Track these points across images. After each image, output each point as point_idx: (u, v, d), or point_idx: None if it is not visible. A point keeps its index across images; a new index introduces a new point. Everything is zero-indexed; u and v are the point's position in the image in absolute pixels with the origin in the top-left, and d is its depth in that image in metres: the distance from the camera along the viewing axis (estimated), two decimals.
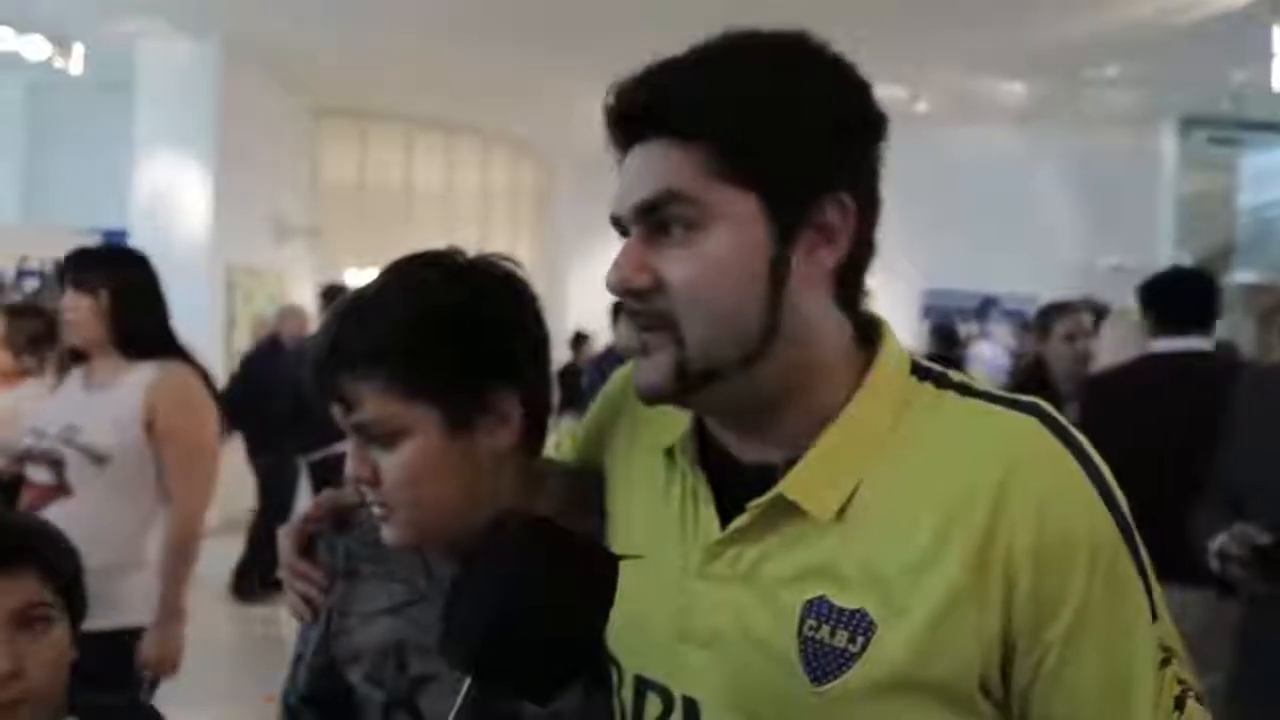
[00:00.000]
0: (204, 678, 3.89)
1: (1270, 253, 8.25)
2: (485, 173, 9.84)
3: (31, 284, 6.08)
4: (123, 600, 1.94)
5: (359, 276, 7.45)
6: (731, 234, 0.68)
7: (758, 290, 0.68)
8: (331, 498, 0.98)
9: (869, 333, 0.75)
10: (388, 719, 0.90)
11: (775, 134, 0.68)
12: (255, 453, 5.35)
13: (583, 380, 5.33)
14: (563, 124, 8.66)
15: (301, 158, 8.38)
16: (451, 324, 0.83)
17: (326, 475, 4.60)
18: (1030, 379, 3.13)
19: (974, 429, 0.69)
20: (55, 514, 1.79)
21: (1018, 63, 7.20)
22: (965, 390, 0.72)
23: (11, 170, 7.65)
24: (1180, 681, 0.66)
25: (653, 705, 0.75)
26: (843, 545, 0.68)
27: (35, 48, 6.37)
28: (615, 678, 0.80)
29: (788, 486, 0.69)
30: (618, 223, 0.73)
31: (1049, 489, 0.65)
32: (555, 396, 0.95)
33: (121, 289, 2.14)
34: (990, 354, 6.92)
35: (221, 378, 6.66)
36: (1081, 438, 0.69)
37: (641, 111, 0.70)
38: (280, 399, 4.77)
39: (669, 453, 0.78)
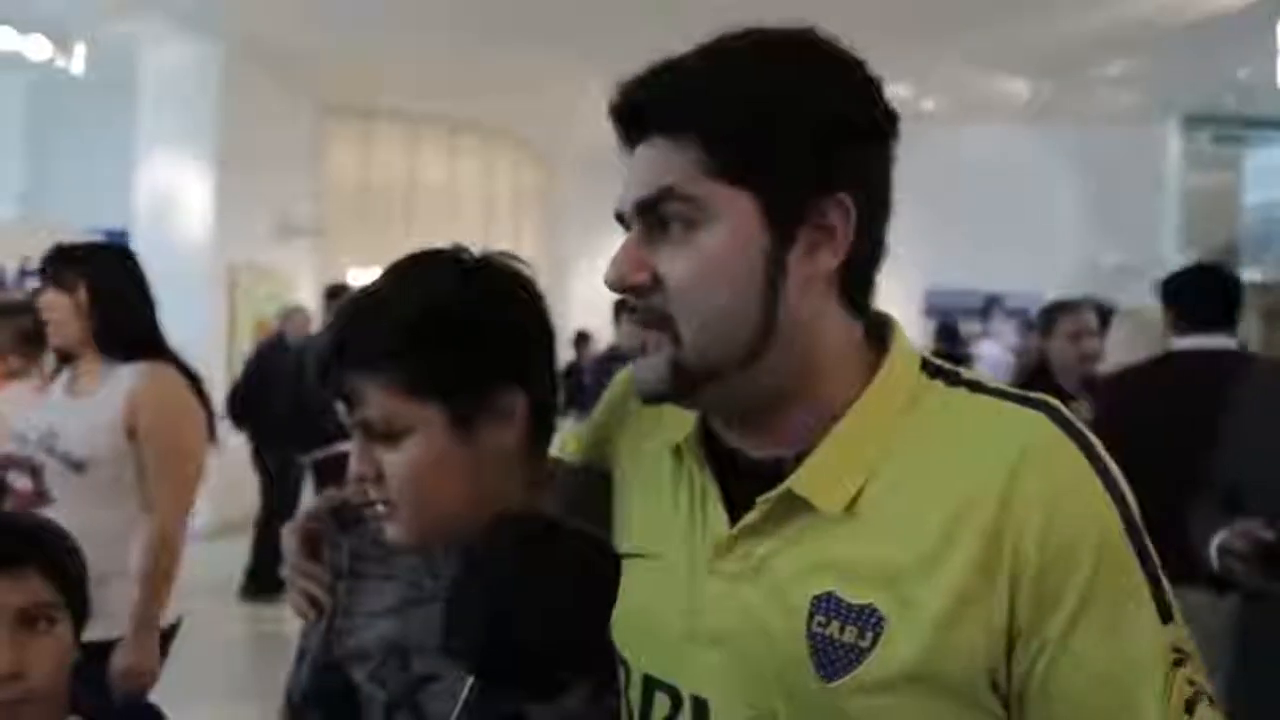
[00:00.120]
0: (209, 677, 3.90)
1: (1275, 251, 8.24)
2: (488, 172, 9.85)
3: (33, 284, 6.08)
4: (106, 611, 1.76)
5: (362, 276, 7.45)
6: (726, 232, 0.68)
7: (753, 289, 0.68)
8: (336, 496, 0.98)
9: (880, 332, 0.75)
10: (390, 719, 0.90)
11: (770, 132, 0.68)
12: (261, 453, 5.35)
13: (585, 380, 5.33)
14: (566, 123, 8.67)
15: (304, 157, 8.39)
16: (457, 323, 0.83)
17: (328, 474, 4.60)
18: (1034, 378, 3.12)
19: (984, 425, 0.69)
20: None
21: (1022, 61, 7.20)
22: (975, 387, 0.72)
23: (13, 169, 7.66)
24: (1192, 683, 0.65)
25: (661, 704, 0.75)
26: (852, 540, 0.68)
27: (37, 47, 6.37)
28: (623, 677, 0.79)
29: (797, 482, 0.69)
30: (622, 220, 0.73)
31: (1057, 485, 0.65)
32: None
33: (101, 286, 2.06)
34: (994, 352, 6.91)
35: (223, 377, 6.70)
36: (1092, 436, 0.69)
37: (640, 110, 0.71)
38: (282, 398, 4.78)
39: (676, 451, 0.78)
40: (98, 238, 5.85)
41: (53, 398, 2.13)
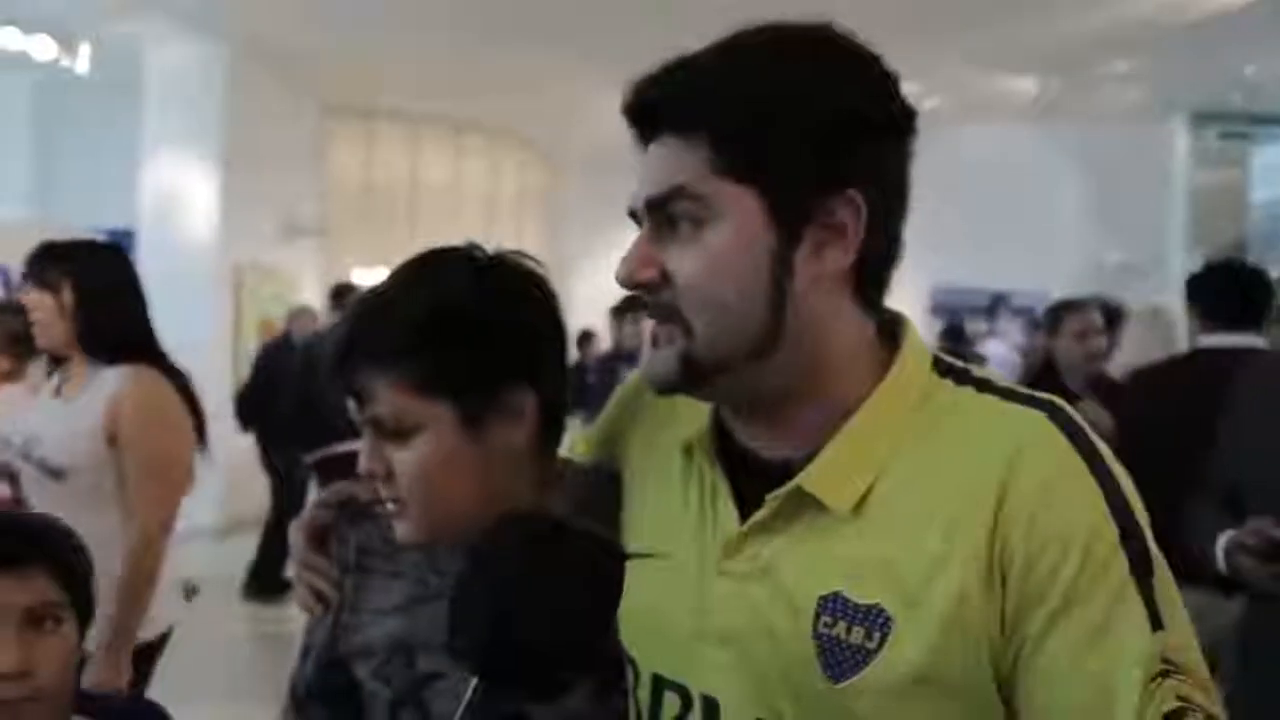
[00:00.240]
0: (211, 676, 3.91)
1: None
2: (492, 172, 9.85)
3: None
4: None
5: (366, 276, 7.47)
6: (732, 231, 0.68)
7: (759, 288, 0.68)
8: (344, 490, 0.98)
9: (893, 329, 0.75)
10: (394, 716, 0.90)
11: (771, 131, 0.67)
12: (268, 452, 5.36)
13: (589, 379, 5.33)
14: (570, 123, 8.67)
15: (309, 157, 8.40)
16: (467, 321, 0.83)
17: (331, 474, 4.61)
18: (1040, 377, 3.11)
19: (986, 425, 0.68)
20: None
21: (1027, 59, 7.18)
22: (983, 386, 0.72)
23: (19, 170, 7.68)
24: (1181, 698, 0.62)
25: (670, 704, 0.75)
26: (860, 540, 0.68)
27: (42, 47, 6.39)
28: (631, 677, 0.79)
29: (806, 479, 0.69)
30: (634, 217, 0.74)
31: (1047, 483, 0.64)
32: None
33: (86, 285, 1.96)
34: (1000, 351, 6.90)
35: (229, 378, 6.72)
36: (1095, 438, 0.68)
37: (653, 108, 0.71)
38: (288, 398, 4.79)
39: (687, 450, 0.78)
40: (102, 237, 5.87)
41: (40, 401, 2.07)
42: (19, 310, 2.59)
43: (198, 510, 6.13)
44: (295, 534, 0.97)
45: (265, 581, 5.08)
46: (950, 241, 8.32)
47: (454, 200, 9.42)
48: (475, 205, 9.55)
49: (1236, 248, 8.54)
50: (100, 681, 1.81)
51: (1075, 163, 8.66)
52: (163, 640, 2.04)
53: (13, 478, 1.97)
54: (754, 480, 0.73)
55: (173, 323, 6.76)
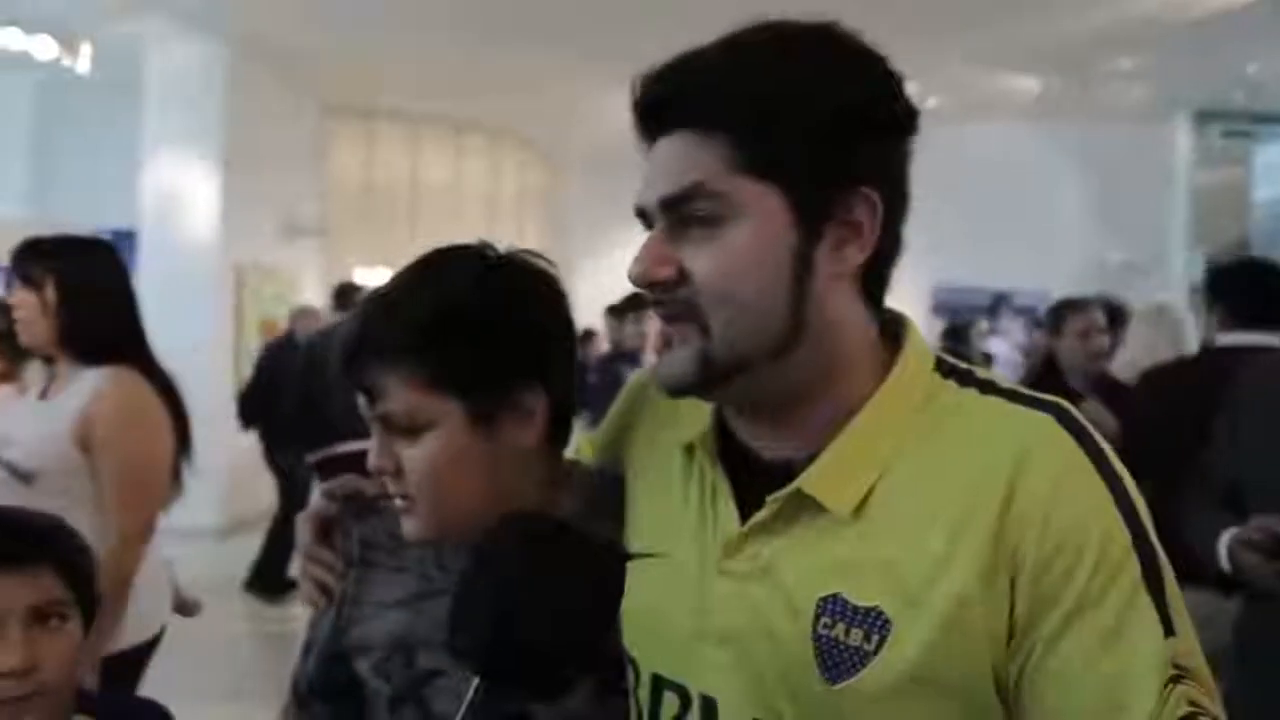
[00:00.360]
0: (214, 676, 3.91)
1: None
2: (493, 172, 9.85)
3: None
4: None
5: (367, 276, 7.47)
6: (754, 228, 0.68)
7: (782, 285, 0.68)
8: (350, 483, 0.98)
9: (894, 329, 0.75)
10: (394, 713, 0.90)
11: (797, 127, 0.67)
12: (272, 452, 5.36)
13: (590, 379, 5.34)
14: (570, 123, 8.67)
15: (309, 157, 8.40)
16: (479, 319, 0.83)
17: (333, 474, 4.60)
18: (1042, 376, 3.10)
19: (991, 427, 0.68)
20: None
21: (1028, 58, 7.17)
22: (986, 388, 0.71)
23: (20, 169, 7.68)
24: (1193, 704, 0.63)
25: (670, 704, 0.75)
26: (860, 542, 0.67)
27: (43, 47, 6.39)
28: (631, 677, 0.79)
29: (806, 481, 0.69)
30: (643, 215, 0.73)
31: (1059, 486, 0.64)
32: None
33: (69, 284, 1.89)
34: (1002, 350, 6.90)
35: (230, 377, 6.72)
36: (1101, 441, 0.68)
37: (665, 103, 0.70)
38: (289, 398, 4.79)
39: (688, 450, 0.78)
40: (103, 237, 5.87)
41: (21, 401, 2.00)
42: (5, 309, 2.52)
43: (200, 511, 6.16)
44: (302, 526, 0.98)
45: (268, 580, 5.08)
46: (952, 241, 8.31)
47: (455, 200, 9.42)
48: (476, 205, 9.55)
49: (1239, 246, 8.53)
50: None
51: (1077, 162, 8.64)
52: (154, 642, 1.99)
53: None
54: (755, 480, 0.73)
55: (174, 323, 6.76)
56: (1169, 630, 0.63)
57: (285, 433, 5.02)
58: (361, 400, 0.84)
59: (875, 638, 0.65)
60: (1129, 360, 3.31)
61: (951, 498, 0.66)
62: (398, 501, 0.85)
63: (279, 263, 7.60)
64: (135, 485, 1.87)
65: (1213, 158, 8.83)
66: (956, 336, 6.23)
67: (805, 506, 0.69)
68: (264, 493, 5.69)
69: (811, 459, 0.70)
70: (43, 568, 1.05)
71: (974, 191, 8.44)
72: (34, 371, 1.99)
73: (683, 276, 0.69)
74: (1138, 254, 8.24)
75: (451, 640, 0.69)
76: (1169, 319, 3.35)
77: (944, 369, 0.73)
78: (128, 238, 6.67)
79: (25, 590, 1.03)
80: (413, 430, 0.83)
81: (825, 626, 0.67)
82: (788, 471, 0.71)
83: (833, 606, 0.67)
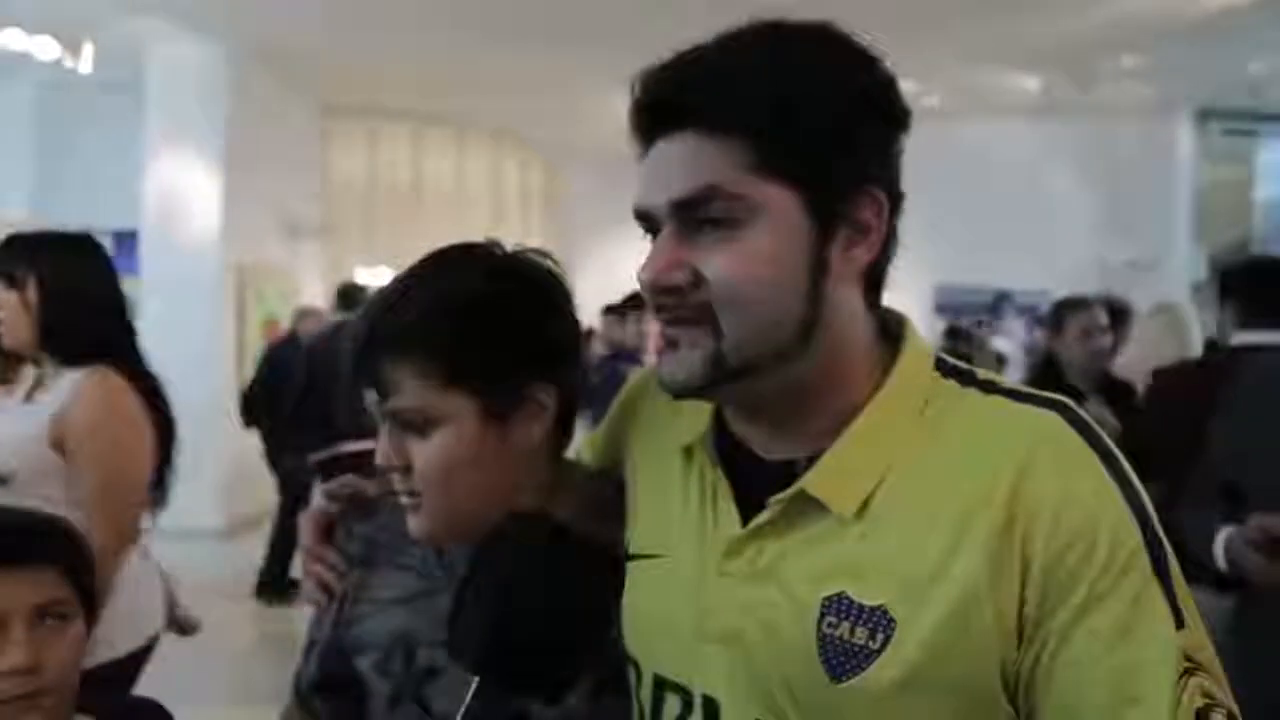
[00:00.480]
0: (217, 677, 3.91)
1: None
2: (495, 171, 9.85)
3: None
4: None
5: (369, 275, 7.47)
6: (771, 230, 0.67)
7: (797, 287, 0.68)
8: (352, 483, 0.98)
9: (893, 329, 0.75)
10: (393, 711, 0.90)
11: (811, 128, 0.67)
12: (274, 452, 5.36)
13: (590, 378, 5.34)
14: (573, 123, 8.67)
15: (311, 157, 8.41)
16: (494, 314, 0.84)
17: (335, 475, 4.60)
18: (1044, 375, 3.10)
19: (995, 425, 0.68)
20: None
21: (1030, 55, 7.15)
22: (989, 387, 0.71)
23: (21, 170, 7.69)
24: (1206, 695, 0.63)
25: (671, 705, 0.75)
26: (864, 542, 0.67)
27: (45, 48, 6.39)
28: (633, 678, 0.79)
29: (810, 482, 0.69)
30: (646, 217, 0.71)
31: (1067, 482, 0.64)
32: None
33: (52, 282, 1.81)
34: (1005, 349, 6.89)
35: (233, 378, 6.72)
36: (1106, 437, 0.68)
37: (676, 103, 0.68)
38: (291, 399, 4.79)
39: (688, 452, 0.78)
40: (105, 238, 5.86)
41: (7, 404, 1.92)
42: None
43: (201, 511, 6.17)
44: (305, 525, 0.98)
45: (276, 583, 5.08)
46: (953, 240, 8.31)
47: (456, 200, 9.42)
48: (477, 205, 9.55)
49: (1242, 245, 8.52)
50: None
51: (1079, 160, 8.63)
52: (146, 651, 1.92)
53: None
54: (755, 481, 0.72)
55: (176, 323, 6.74)
56: (1180, 623, 0.64)
57: (287, 433, 5.02)
58: (372, 396, 0.84)
59: (880, 636, 0.65)
60: (1134, 359, 3.30)
61: (956, 496, 0.66)
62: (405, 499, 0.85)
63: (281, 263, 7.61)
64: (111, 489, 1.78)
65: (1215, 156, 8.82)
66: (957, 336, 6.22)
67: (808, 507, 0.69)
68: (266, 493, 5.69)
69: (813, 459, 0.70)
70: (45, 567, 1.05)
71: (975, 190, 8.43)
72: (27, 373, 1.91)
73: (696, 280, 0.68)
74: (1140, 253, 8.23)
75: (451, 640, 0.69)
76: (1175, 318, 3.34)
77: (944, 368, 0.73)
78: (129, 238, 6.68)
79: (28, 589, 1.03)
80: (424, 426, 0.83)
81: (830, 626, 0.66)
82: (789, 472, 0.71)
83: (837, 605, 0.67)
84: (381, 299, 0.85)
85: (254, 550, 5.33)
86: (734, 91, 0.67)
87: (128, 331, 1.93)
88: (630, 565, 0.79)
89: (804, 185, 0.67)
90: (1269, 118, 8.40)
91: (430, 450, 0.83)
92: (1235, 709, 0.64)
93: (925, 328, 8.02)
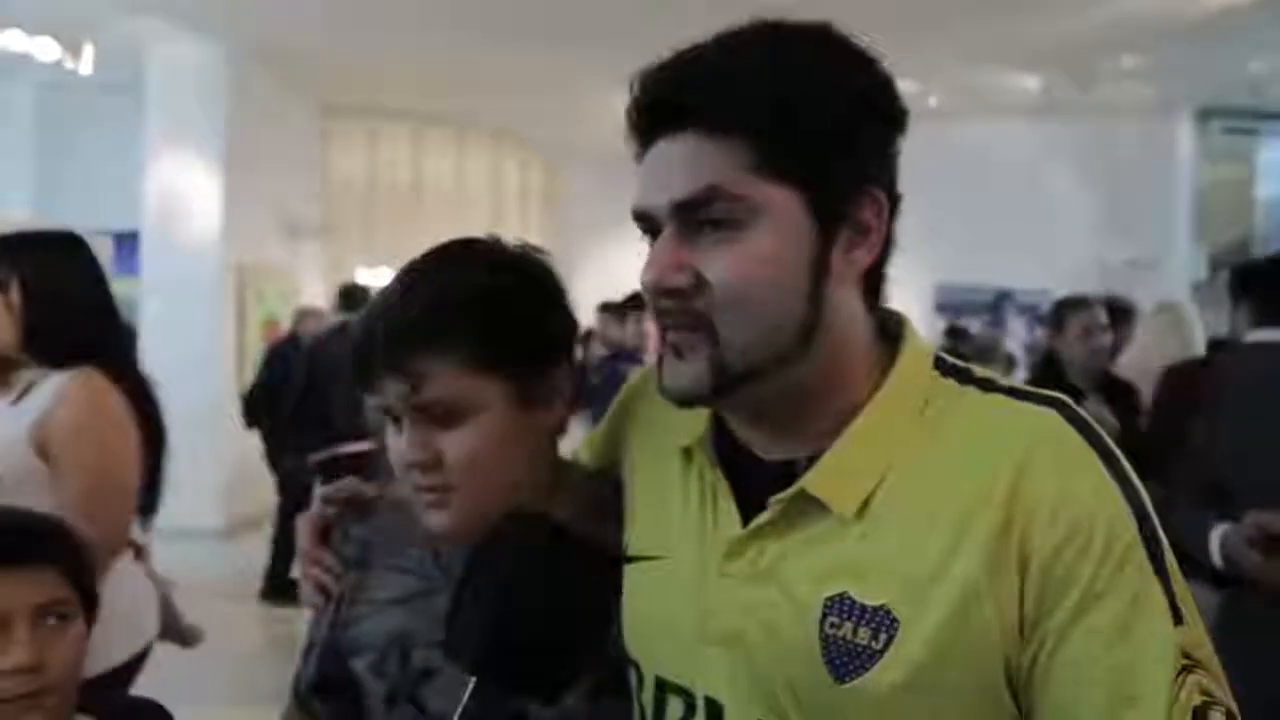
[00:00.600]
0: (218, 679, 3.91)
1: None
2: (495, 171, 9.85)
3: None
4: None
5: (370, 275, 7.47)
6: (774, 231, 0.67)
7: (799, 289, 0.68)
8: (350, 486, 0.99)
9: (891, 328, 0.75)
10: (390, 712, 0.90)
11: (814, 129, 0.67)
12: (274, 453, 5.36)
13: (590, 378, 5.34)
14: (573, 123, 8.67)
15: (311, 157, 8.41)
16: (520, 301, 0.85)
17: (335, 476, 4.60)
18: (1044, 374, 3.10)
19: (994, 423, 0.68)
20: None
21: (1030, 55, 7.15)
22: (988, 386, 0.71)
23: (22, 171, 7.69)
24: (1204, 693, 0.63)
25: (674, 707, 0.75)
26: (864, 542, 0.67)
27: (45, 49, 6.39)
28: (635, 680, 0.79)
29: (810, 482, 0.69)
30: (645, 217, 0.71)
31: (1066, 479, 0.64)
32: None
33: (35, 282, 1.76)
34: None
35: (233, 378, 6.73)
36: (1105, 435, 0.68)
37: (677, 103, 0.68)
38: (292, 399, 4.79)
39: (686, 453, 0.78)
40: (106, 239, 5.88)
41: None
42: None
43: (202, 512, 6.17)
44: (303, 527, 0.98)
45: (281, 584, 5.08)
46: (954, 239, 8.31)
47: (456, 200, 9.42)
48: (477, 205, 9.56)
49: (1242, 244, 8.52)
50: None
51: (1079, 159, 8.62)
52: (139, 660, 1.86)
53: None
54: (755, 481, 0.72)
55: (176, 324, 6.71)
56: (1178, 619, 0.64)
57: (287, 433, 5.03)
58: (394, 390, 0.82)
59: (883, 636, 0.65)
60: (1137, 358, 3.30)
61: (956, 494, 0.66)
62: (426, 496, 0.84)
63: (281, 263, 7.61)
64: (97, 495, 1.71)
65: (1215, 155, 8.81)
66: (957, 336, 6.22)
67: (809, 507, 0.69)
68: (266, 494, 5.69)
69: (813, 459, 0.70)
70: (46, 567, 1.06)
71: (976, 190, 8.43)
72: (23, 376, 1.84)
73: (698, 282, 0.67)
74: (1140, 252, 8.23)
75: (448, 640, 0.69)
76: (1177, 317, 3.34)
77: (943, 367, 0.73)
78: (130, 239, 6.68)
79: (30, 589, 1.04)
80: (455, 417, 0.82)
81: (832, 626, 0.66)
82: (789, 473, 0.71)
83: (840, 606, 0.67)
84: (405, 291, 0.85)
85: (254, 551, 5.33)
86: (736, 92, 0.66)
87: (116, 332, 1.88)
88: (630, 567, 0.79)
89: (806, 186, 0.67)
90: (1269, 116, 8.39)
91: (463, 441, 0.82)
92: (1234, 706, 0.64)
93: (926, 327, 8.04)
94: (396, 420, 0.85)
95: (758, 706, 0.69)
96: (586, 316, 7.35)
